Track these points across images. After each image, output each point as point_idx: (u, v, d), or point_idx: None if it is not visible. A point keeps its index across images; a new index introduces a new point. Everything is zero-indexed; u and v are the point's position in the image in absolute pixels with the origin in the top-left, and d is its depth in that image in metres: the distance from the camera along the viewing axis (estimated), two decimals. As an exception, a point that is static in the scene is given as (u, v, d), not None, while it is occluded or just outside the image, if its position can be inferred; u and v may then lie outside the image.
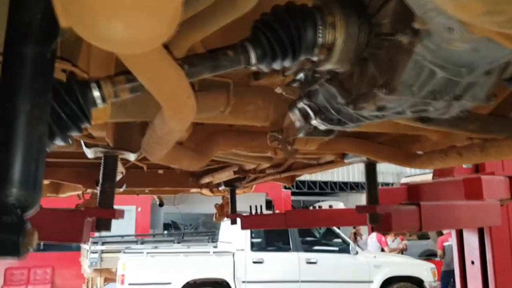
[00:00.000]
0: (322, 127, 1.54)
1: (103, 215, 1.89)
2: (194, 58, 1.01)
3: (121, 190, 3.85)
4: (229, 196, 3.93)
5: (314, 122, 1.54)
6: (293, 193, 17.13)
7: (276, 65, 1.09)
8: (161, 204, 5.10)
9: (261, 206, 3.85)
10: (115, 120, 1.61)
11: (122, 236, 10.67)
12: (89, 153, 1.81)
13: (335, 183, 19.84)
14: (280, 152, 1.92)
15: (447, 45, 0.94)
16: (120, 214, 1.90)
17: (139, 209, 12.62)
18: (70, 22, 0.63)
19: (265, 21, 1.07)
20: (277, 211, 12.27)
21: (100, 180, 1.88)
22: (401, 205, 3.01)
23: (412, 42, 1.00)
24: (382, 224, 2.67)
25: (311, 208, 10.72)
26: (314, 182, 19.45)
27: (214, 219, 4.49)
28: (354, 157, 2.50)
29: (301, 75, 1.55)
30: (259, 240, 8.96)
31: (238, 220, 3.93)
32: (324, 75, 1.34)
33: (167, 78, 0.92)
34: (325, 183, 19.67)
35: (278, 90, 1.79)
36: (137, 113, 1.45)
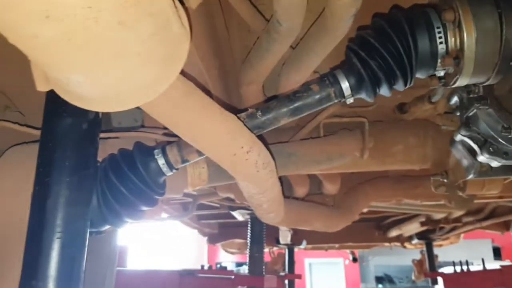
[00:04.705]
0: (495, 163, 1.14)
1: (252, 284, 1.76)
2: (268, 104, 0.81)
3: (302, 247, 3.73)
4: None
5: (482, 158, 1.15)
6: (528, 238, 14.33)
7: (384, 91, 0.82)
8: (354, 259, 4.79)
9: (466, 262, 3.18)
10: (213, 185, 1.51)
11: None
12: (237, 215, 1.74)
13: None
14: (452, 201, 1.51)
15: None
16: (271, 283, 1.74)
17: (347, 261, 12.25)
18: (50, 87, 0.55)
19: (361, 38, 0.82)
20: (506, 262, 10.36)
21: (248, 244, 1.77)
22: None
23: None
24: None
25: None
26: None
27: (413, 277, 3.94)
28: None
29: (455, 99, 1.20)
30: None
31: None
32: (476, 93, 0.98)
33: (198, 126, 0.75)
34: None
35: (438, 122, 1.44)
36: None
